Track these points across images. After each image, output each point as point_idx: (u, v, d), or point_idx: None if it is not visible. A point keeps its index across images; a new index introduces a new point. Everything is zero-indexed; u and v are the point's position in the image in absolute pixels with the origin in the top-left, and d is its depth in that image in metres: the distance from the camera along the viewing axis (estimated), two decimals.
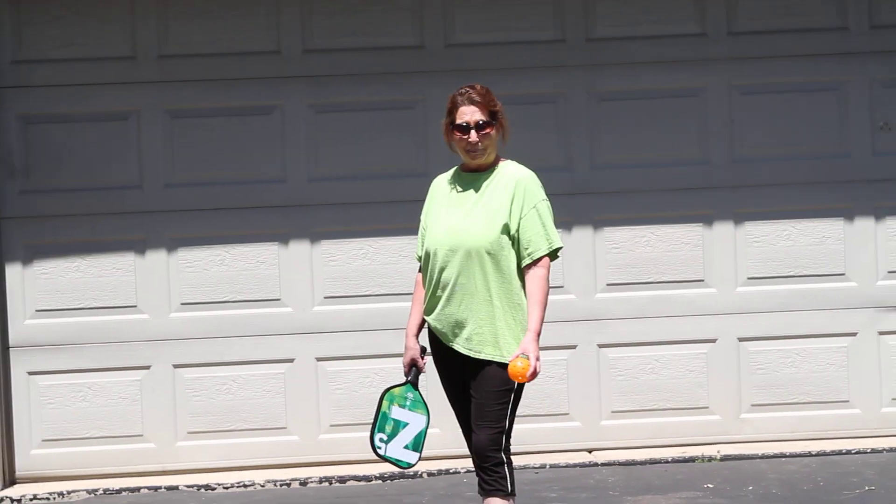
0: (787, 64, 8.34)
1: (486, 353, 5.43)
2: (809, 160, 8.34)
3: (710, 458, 8.06)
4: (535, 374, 5.28)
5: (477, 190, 5.58)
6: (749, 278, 8.37)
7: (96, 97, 8.13)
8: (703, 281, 8.35)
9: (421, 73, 8.16)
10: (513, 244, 5.48)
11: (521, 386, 5.44)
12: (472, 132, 5.45)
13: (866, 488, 7.25)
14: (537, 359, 5.29)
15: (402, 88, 8.19)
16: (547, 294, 5.47)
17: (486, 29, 8.21)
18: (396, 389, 5.69)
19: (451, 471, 7.83)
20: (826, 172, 8.33)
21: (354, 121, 8.22)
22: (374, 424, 5.69)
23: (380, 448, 5.64)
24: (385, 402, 5.69)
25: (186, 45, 8.13)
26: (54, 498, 7.83)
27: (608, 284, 8.33)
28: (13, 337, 8.10)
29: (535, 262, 5.46)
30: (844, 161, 8.35)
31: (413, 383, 5.67)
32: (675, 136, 8.33)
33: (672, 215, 8.31)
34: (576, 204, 8.09)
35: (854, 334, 8.37)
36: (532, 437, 7.86)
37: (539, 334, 5.37)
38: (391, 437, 5.68)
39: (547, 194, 5.54)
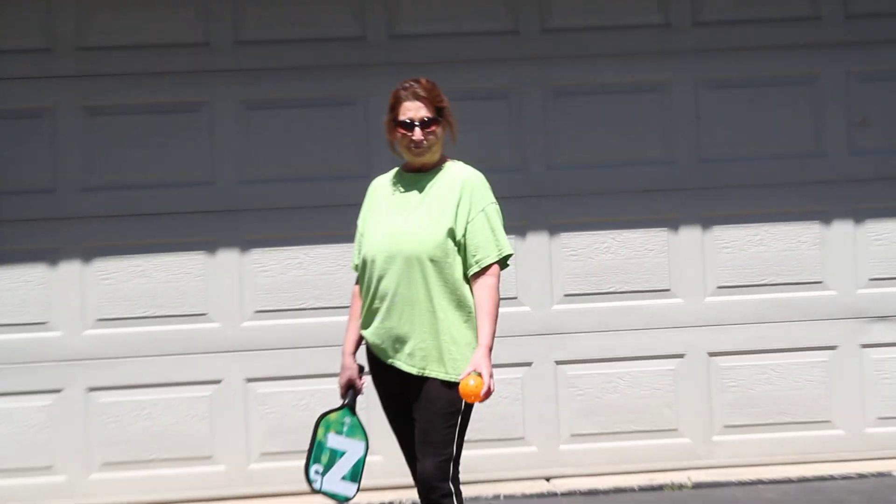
0: (758, 56, 8.09)
1: (431, 370, 5.30)
2: (782, 160, 8.04)
3: (681, 486, 7.76)
4: (488, 394, 5.12)
5: (420, 191, 5.47)
6: (719, 287, 8.05)
7: (8, 93, 7.77)
8: (669, 290, 8.03)
9: (362, 67, 7.84)
10: (459, 251, 5.34)
11: (469, 407, 5.31)
12: (417, 129, 5.37)
13: None
14: (490, 376, 5.14)
15: (341, 83, 7.87)
16: (497, 305, 5.33)
17: (433, 19, 7.97)
18: (333, 415, 5.59)
19: (394, 503, 7.54)
20: (800, 173, 8.04)
21: (290, 118, 7.91)
22: (308, 455, 5.55)
23: (315, 481, 5.49)
24: (321, 430, 5.56)
25: (108, 36, 7.80)
26: None
27: (566, 295, 7.98)
28: None
29: (484, 271, 5.32)
30: (820, 160, 8.07)
31: (350, 407, 5.57)
32: (638, 134, 8.03)
33: (635, 219, 7.99)
34: (530, 207, 7.82)
35: (834, 347, 8.05)
36: (484, 465, 7.55)
37: (491, 349, 5.22)
38: (327, 467, 5.56)
39: (497, 197, 5.42)
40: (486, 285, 5.28)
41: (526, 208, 7.72)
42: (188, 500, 7.67)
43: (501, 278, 5.31)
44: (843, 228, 8.08)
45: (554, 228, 7.93)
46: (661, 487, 7.72)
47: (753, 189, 8.05)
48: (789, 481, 7.70)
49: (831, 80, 8.09)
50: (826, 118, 8.10)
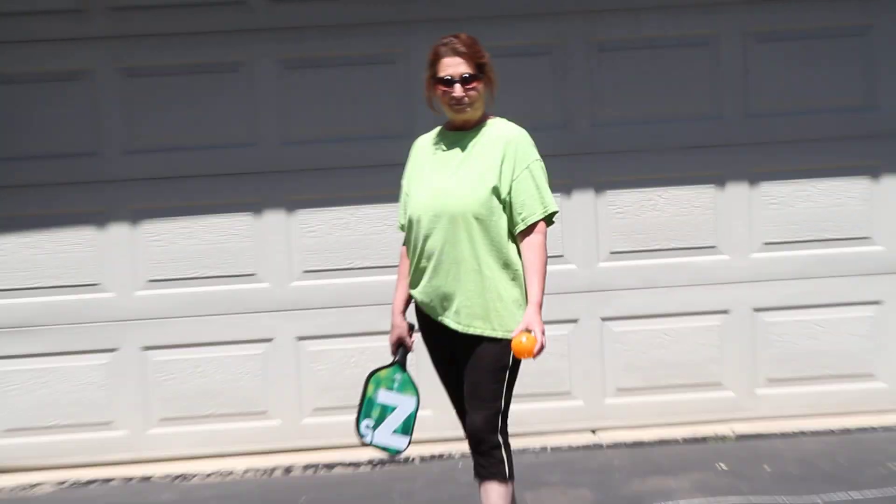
0: (808, 7, 7.80)
1: (477, 328, 5.25)
2: (833, 114, 7.81)
3: (724, 438, 7.73)
4: (541, 350, 5.10)
5: (463, 149, 5.37)
6: (765, 243, 7.90)
7: (46, 55, 7.61)
8: (715, 247, 7.89)
9: (403, 23, 7.61)
10: (504, 209, 5.28)
11: (517, 362, 5.29)
12: (457, 86, 5.24)
13: (893, 468, 6.94)
14: (542, 332, 5.11)
15: (382, 40, 7.66)
16: (545, 262, 5.27)
17: None
18: (383, 372, 5.57)
19: (445, 455, 7.54)
20: (851, 127, 7.79)
21: (331, 77, 7.69)
22: (358, 410, 5.53)
23: (365, 436, 5.48)
24: (370, 387, 5.55)
25: None
26: (18, 491, 7.46)
27: (612, 252, 7.89)
28: None
29: (531, 229, 5.28)
30: (872, 114, 7.81)
31: (401, 364, 5.55)
32: (684, 89, 7.81)
33: (681, 176, 7.84)
34: (575, 165, 7.64)
35: (880, 303, 7.92)
36: (531, 418, 7.55)
37: (541, 306, 5.18)
38: (378, 422, 5.57)
39: (542, 154, 5.26)
40: (533, 243, 5.26)
41: (571, 165, 7.56)
42: (244, 454, 7.69)
43: (547, 236, 5.26)
44: (892, 183, 7.89)
45: (599, 186, 7.82)
46: (704, 439, 7.68)
47: (802, 144, 7.85)
48: (831, 433, 7.67)
49: (884, 31, 7.80)
50: (879, 70, 7.83)
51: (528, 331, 5.04)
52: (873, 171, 7.87)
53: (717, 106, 7.83)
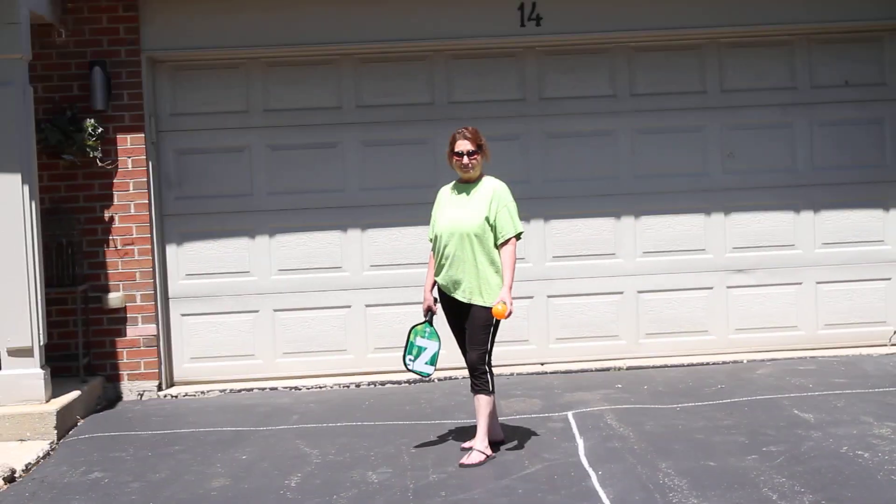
0: (670, 115, 8.57)
1: (475, 300, 6.01)
2: (681, 177, 8.64)
3: (619, 369, 8.46)
4: (510, 314, 5.94)
5: (468, 194, 6.12)
6: (644, 252, 8.71)
7: (223, 137, 8.48)
8: (614, 254, 8.70)
9: (432, 121, 8.46)
10: (491, 230, 6.02)
11: (498, 322, 6.04)
12: (465, 157, 6.05)
13: (719, 386, 7.66)
14: (511, 304, 5.93)
15: (419, 130, 8.49)
16: (514, 262, 6.05)
17: (475, 92, 8.52)
18: (419, 326, 6.26)
19: (452, 378, 8.17)
20: (692, 185, 8.61)
21: (389, 151, 8.56)
22: (405, 349, 6.27)
23: (409, 364, 6.26)
24: (411, 334, 6.27)
25: (282, 102, 8.47)
26: (198, 394, 8.27)
27: (553, 256, 8.67)
28: (172, 291, 8.49)
29: (506, 242, 6.02)
30: (704, 177, 8.65)
31: (429, 321, 6.27)
32: (597, 160, 8.62)
33: (594, 212, 8.61)
34: (533, 205, 8.36)
35: (711, 288, 8.74)
36: (505, 356, 8.03)
37: (511, 288, 5.98)
38: (416, 357, 6.22)
39: (515, 198, 6.17)
40: (507, 251, 6.03)
41: (531, 205, 8.23)
42: (332, 375, 8.44)
43: (516, 246, 6.05)
44: (716, 218, 8.57)
45: (547, 217, 8.61)
46: (607, 370, 8.45)
47: (666, 195, 8.59)
48: (682, 366, 8.46)
49: (712, 131, 8.66)
50: (710, 151, 8.68)
51: (503, 302, 5.89)
52: (706, 211, 8.60)
53: (616, 171, 8.67)
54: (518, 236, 6.06)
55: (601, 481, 5.61)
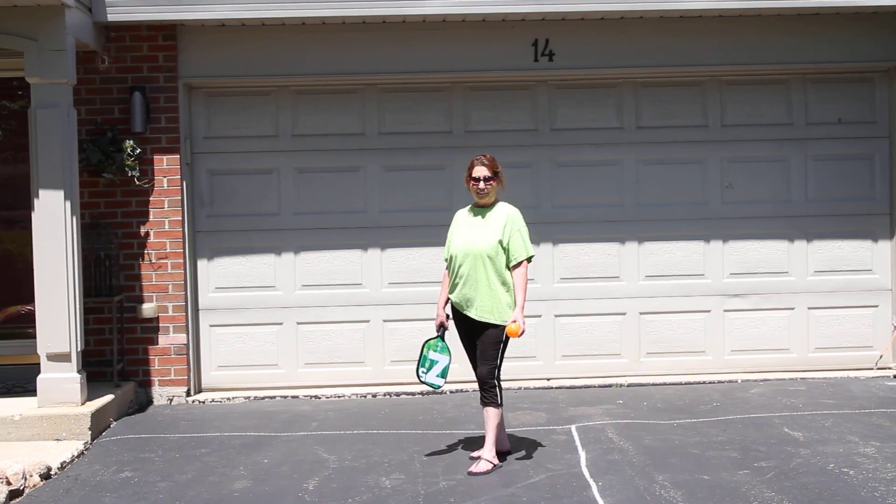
0: (671, 148, 8.61)
1: (487, 318, 6.04)
2: (683, 205, 8.69)
3: (621, 385, 8.47)
4: (523, 332, 5.99)
5: (482, 217, 6.17)
6: (647, 276, 8.73)
7: (253, 160, 8.55)
8: (618, 277, 8.72)
9: (449, 148, 8.54)
10: (504, 252, 6.07)
11: (507, 339, 6.06)
12: (482, 182, 6.11)
13: (714, 404, 7.66)
14: (524, 323, 5.97)
15: (438, 156, 8.56)
16: (526, 283, 6.07)
17: (490, 122, 8.59)
18: (431, 340, 6.29)
19: (463, 390, 8.22)
20: (693, 212, 8.66)
21: (409, 176, 8.60)
22: (418, 362, 6.30)
23: (422, 376, 6.29)
24: (425, 348, 6.31)
25: (309, 128, 8.53)
26: (224, 400, 8.31)
27: (561, 278, 8.69)
28: (202, 303, 8.53)
29: (518, 264, 6.06)
30: (704, 206, 8.69)
31: (441, 336, 6.30)
32: (603, 188, 8.68)
33: (600, 237, 8.64)
34: (542, 229, 8.45)
35: (708, 311, 8.74)
36: (513, 371, 8.25)
37: (523, 308, 6.01)
38: (428, 370, 6.24)
39: (526, 222, 6.21)
40: (519, 272, 6.06)
41: (540, 229, 8.36)
42: (350, 385, 8.47)
43: (529, 269, 6.10)
44: (716, 245, 8.63)
45: (556, 241, 8.65)
46: (610, 386, 8.46)
47: (667, 222, 8.64)
48: (680, 384, 8.46)
49: (713, 163, 8.69)
50: (710, 180, 8.71)
51: (516, 322, 5.93)
52: (705, 238, 8.64)
53: (621, 198, 8.71)
54: (529, 259, 6.07)
55: (601, 492, 5.63)
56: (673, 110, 8.60)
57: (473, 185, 6.10)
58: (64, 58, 7.28)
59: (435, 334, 6.32)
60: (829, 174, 8.67)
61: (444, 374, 6.21)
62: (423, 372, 6.21)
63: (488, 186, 6.07)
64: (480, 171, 6.07)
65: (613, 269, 8.67)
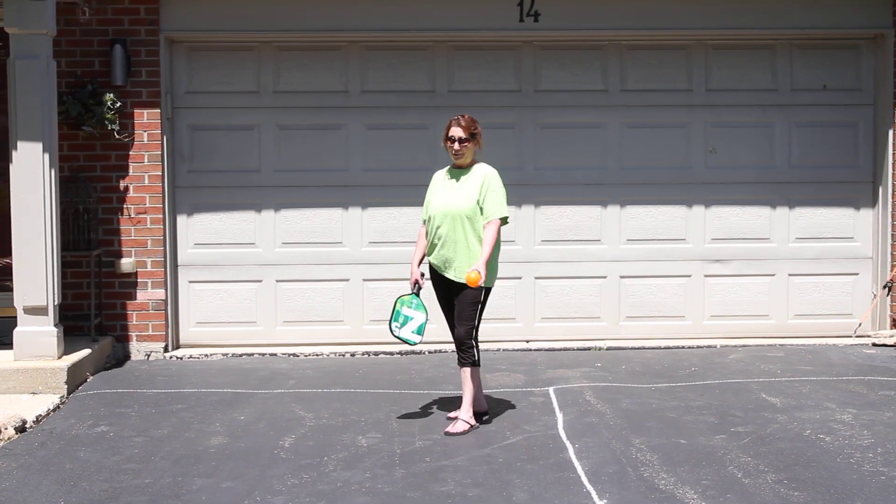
0: (655, 111, 8.61)
1: (463, 278, 5.97)
2: (666, 169, 8.70)
3: (599, 349, 8.49)
4: (478, 281, 5.86)
5: (458, 180, 6.17)
6: (628, 240, 8.75)
7: (234, 116, 8.51)
8: (599, 240, 8.73)
9: (432, 108, 8.53)
10: (481, 212, 6.04)
11: (485, 300, 6.07)
12: (456, 143, 6.09)
13: (692, 369, 7.72)
14: (484, 274, 5.87)
15: (420, 116, 8.54)
16: (494, 241, 6.00)
17: (474, 82, 8.56)
18: (405, 297, 6.24)
19: (442, 351, 8.25)
20: (677, 176, 8.66)
21: (391, 135, 8.58)
22: (391, 317, 6.22)
23: (395, 330, 6.20)
24: (398, 303, 6.24)
25: (291, 85, 8.50)
26: (201, 357, 8.29)
27: (542, 240, 8.70)
28: (181, 259, 8.50)
29: (491, 222, 6.02)
30: (687, 170, 8.69)
31: (416, 293, 6.23)
32: (586, 151, 8.68)
33: (582, 199, 8.66)
34: (524, 191, 8.50)
35: (689, 276, 8.77)
36: (492, 333, 8.28)
37: (486, 261, 5.94)
38: (402, 325, 6.17)
39: (505, 183, 6.14)
40: (490, 228, 6.02)
41: (522, 191, 8.45)
42: (329, 343, 8.49)
43: (506, 230, 6.23)
44: (697, 210, 8.64)
45: (537, 203, 8.67)
46: (588, 349, 8.48)
47: (649, 185, 8.65)
48: (659, 348, 8.52)
49: (696, 127, 8.68)
50: (693, 145, 8.73)
51: (477, 271, 5.89)
52: (687, 203, 8.67)
53: (604, 161, 8.72)
54: (504, 220, 6.04)
55: (577, 454, 5.63)
56: (658, 74, 8.58)
57: (448, 145, 6.09)
58: (44, 8, 7.17)
59: (408, 291, 6.26)
60: (812, 141, 8.66)
61: (419, 332, 6.14)
62: (396, 326, 6.15)
63: (463, 147, 6.04)
64: (456, 132, 6.04)
65: (595, 232, 8.67)
